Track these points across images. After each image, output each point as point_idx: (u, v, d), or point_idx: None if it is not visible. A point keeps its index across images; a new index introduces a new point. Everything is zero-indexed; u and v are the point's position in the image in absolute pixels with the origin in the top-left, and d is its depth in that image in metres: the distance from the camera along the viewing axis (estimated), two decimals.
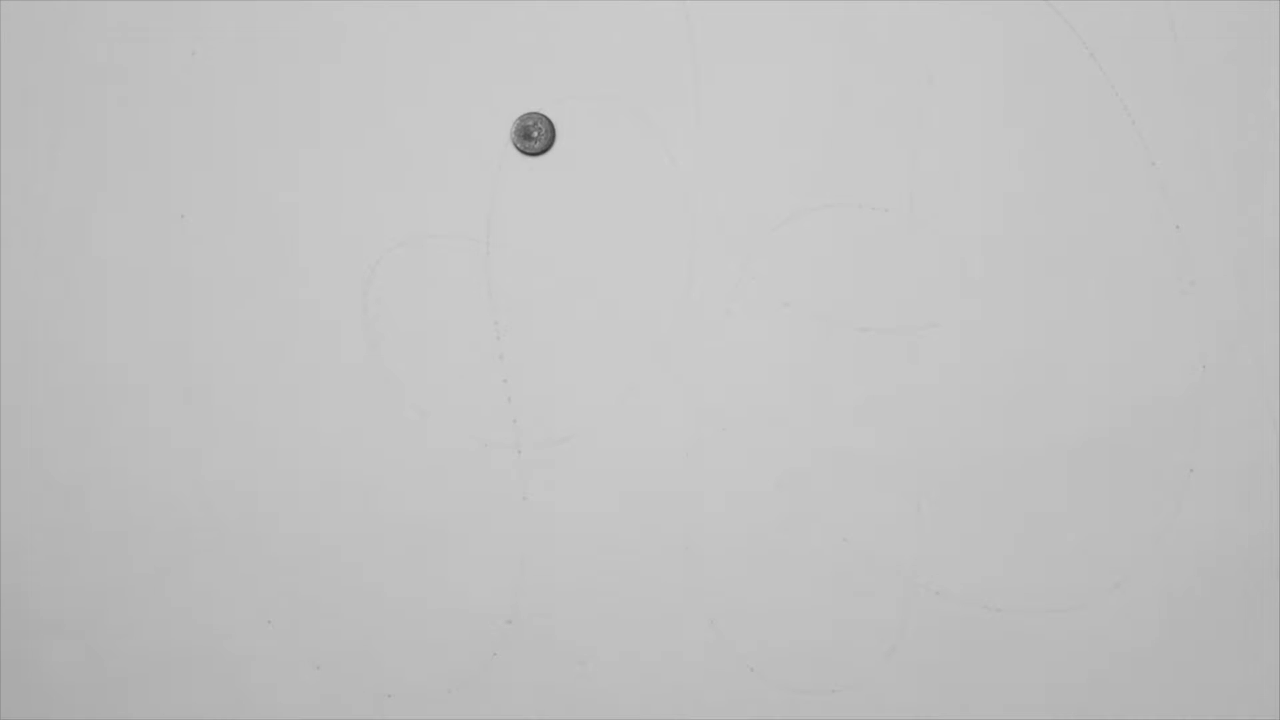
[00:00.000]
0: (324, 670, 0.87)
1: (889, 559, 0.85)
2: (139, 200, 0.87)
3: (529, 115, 0.78)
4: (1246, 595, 0.84)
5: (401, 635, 0.87)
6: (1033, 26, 0.85)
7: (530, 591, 0.86)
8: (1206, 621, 0.84)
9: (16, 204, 0.87)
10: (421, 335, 0.86)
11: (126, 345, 0.87)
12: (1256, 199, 0.84)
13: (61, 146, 0.87)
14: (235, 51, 0.87)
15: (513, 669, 0.86)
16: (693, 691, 0.86)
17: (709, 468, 0.85)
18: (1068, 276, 0.84)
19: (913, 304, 0.85)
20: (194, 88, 0.87)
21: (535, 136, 0.79)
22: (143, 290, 0.87)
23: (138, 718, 0.87)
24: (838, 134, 0.85)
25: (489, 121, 0.86)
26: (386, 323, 0.87)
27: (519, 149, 0.79)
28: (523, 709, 0.86)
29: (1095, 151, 0.84)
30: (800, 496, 0.85)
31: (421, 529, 0.87)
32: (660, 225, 0.86)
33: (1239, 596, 0.84)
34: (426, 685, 0.87)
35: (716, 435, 0.85)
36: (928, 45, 0.85)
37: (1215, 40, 0.84)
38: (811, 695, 0.85)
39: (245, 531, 0.87)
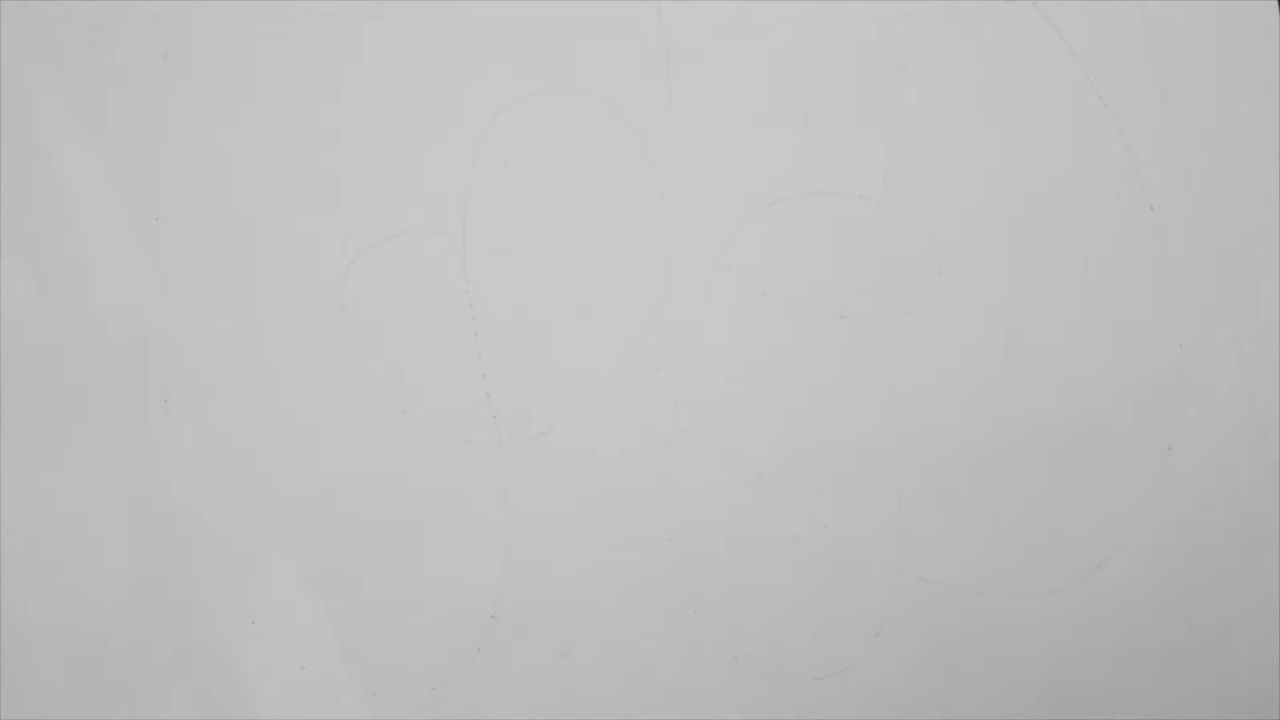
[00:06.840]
0: (308, 670, 0.87)
1: (871, 545, 0.85)
2: (112, 203, 0.87)
3: None
4: (1227, 573, 0.84)
5: (385, 633, 0.86)
6: (1004, 12, 0.85)
7: (513, 586, 0.86)
8: (1189, 600, 0.84)
9: None
10: (399, 333, 0.86)
11: (102, 348, 0.87)
12: (1231, 178, 0.84)
13: (34, 150, 0.87)
14: (207, 53, 0.87)
15: (497, 664, 0.86)
16: (677, 682, 0.85)
17: (690, 458, 0.85)
18: (1044, 259, 0.85)
19: (890, 290, 0.85)
20: (166, 89, 0.87)
21: None
22: (118, 293, 0.87)
23: (124, 718, 0.87)
24: (812, 123, 0.85)
25: (463, 118, 0.86)
26: (363, 321, 0.86)
27: None
28: (508, 704, 0.86)
29: (1068, 134, 0.85)
30: (781, 485, 0.85)
31: (403, 526, 0.86)
32: (636, 217, 0.86)
33: (1220, 574, 0.84)
34: (411, 682, 0.86)
35: (697, 426, 0.85)
36: (899, 34, 0.85)
37: (1187, 21, 0.85)
38: (796, 683, 0.85)
39: (225, 532, 0.87)
